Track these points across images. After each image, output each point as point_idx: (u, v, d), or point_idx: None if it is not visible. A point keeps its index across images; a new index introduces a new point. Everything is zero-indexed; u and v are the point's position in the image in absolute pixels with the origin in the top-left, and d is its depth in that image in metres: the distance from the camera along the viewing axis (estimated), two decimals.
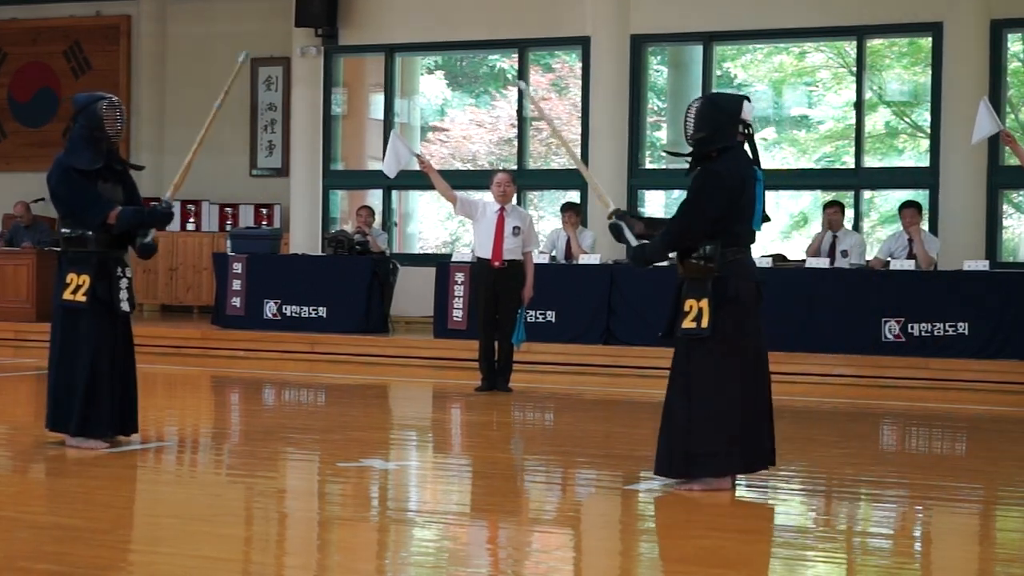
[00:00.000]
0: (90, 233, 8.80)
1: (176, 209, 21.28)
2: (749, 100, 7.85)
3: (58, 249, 9.08)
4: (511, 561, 6.29)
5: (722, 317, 7.56)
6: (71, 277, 8.79)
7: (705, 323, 7.55)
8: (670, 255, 7.89)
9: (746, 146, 7.82)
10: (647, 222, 8.37)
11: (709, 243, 7.60)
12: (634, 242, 8.05)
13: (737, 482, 7.83)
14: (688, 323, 7.62)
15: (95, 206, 8.77)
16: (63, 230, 8.92)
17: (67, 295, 8.79)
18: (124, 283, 8.90)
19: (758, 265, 15.55)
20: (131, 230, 8.91)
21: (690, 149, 7.84)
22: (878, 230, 21.19)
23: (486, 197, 13.46)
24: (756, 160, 7.84)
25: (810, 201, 21.97)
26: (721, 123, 7.69)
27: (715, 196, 7.60)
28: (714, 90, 19.16)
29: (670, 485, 7.69)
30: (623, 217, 8.24)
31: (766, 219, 7.92)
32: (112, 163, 8.96)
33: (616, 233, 8.20)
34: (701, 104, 7.82)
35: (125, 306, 8.89)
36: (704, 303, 7.56)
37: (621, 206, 18.30)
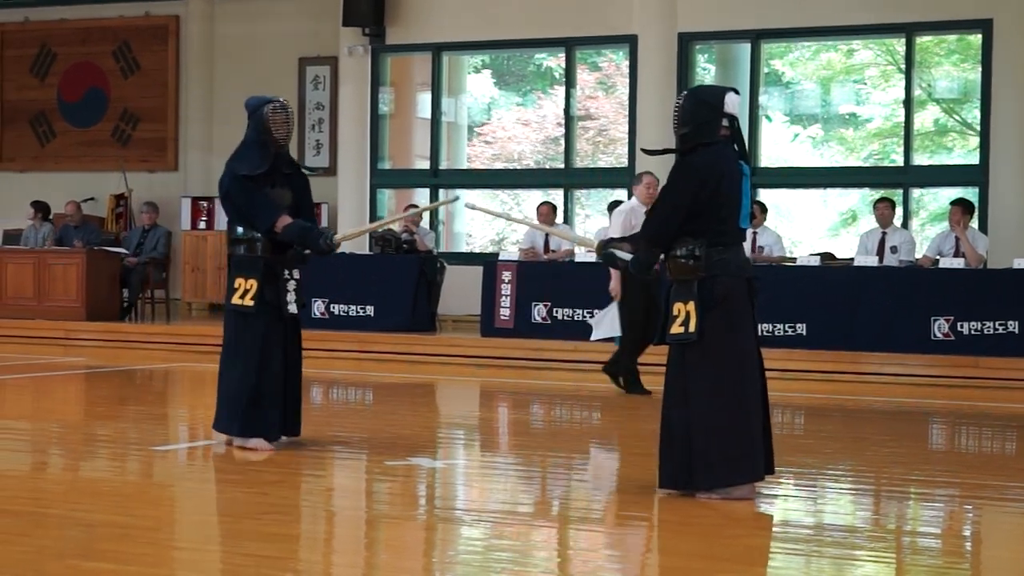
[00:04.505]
0: (257, 236, 8.86)
1: None
2: (737, 92, 7.60)
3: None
4: (558, 560, 6.29)
5: (712, 319, 7.32)
6: (239, 282, 8.88)
7: (692, 327, 7.33)
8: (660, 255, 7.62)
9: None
10: (631, 239, 8.19)
11: (693, 241, 7.37)
12: (628, 258, 7.86)
13: (784, 480, 7.80)
14: (676, 328, 7.40)
15: (265, 210, 8.83)
16: (236, 233, 8.97)
17: (235, 299, 8.88)
18: (292, 285, 8.95)
19: (806, 263, 15.68)
20: (291, 242, 8.95)
21: (671, 146, 7.69)
22: (927, 228, 21.06)
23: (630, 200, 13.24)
24: (743, 155, 7.59)
25: (858, 199, 21.86)
26: (703, 118, 7.45)
27: (687, 189, 7.37)
28: (761, 88, 19.14)
29: (684, 496, 7.46)
30: (607, 245, 7.99)
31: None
32: (280, 166, 8.99)
33: (610, 261, 8.00)
34: (684, 98, 7.57)
35: (293, 308, 8.94)
36: (691, 306, 7.34)
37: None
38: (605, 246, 8.01)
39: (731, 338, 7.37)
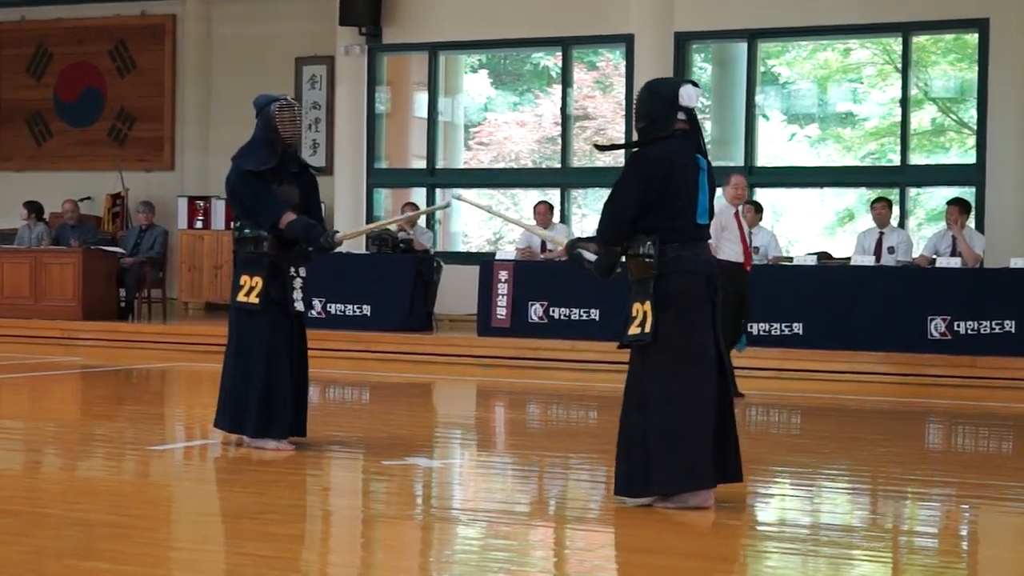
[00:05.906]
0: (264, 234, 8.84)
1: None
2: (695, 84, 7.32)
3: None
4: (554, 559, 6.29)
5: (668, 319, 7.07)
6: (244, 279, 8.86)
7: (648, 328, 7.09)
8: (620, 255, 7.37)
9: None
10: (595, 239, 7.97)
11: (647, 239, 7.12)
12: (593, 259, 7.55)
13: (780, 480, 7.80)
14: (633, 329, 7.16)
15: (270, 207, 8.81)
16: (242, 231, 8.94)
17: (241, 297, 8.88)
18: (298, 283, 8.94)
19: (803, 263, 15.68)
20: (295, 238, 8.91)
21: (627, 141, 7.54)
22: (924, 228, 21.07)
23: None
24: (701, 148, 7.32)
25: (855, 198, 21.88)
26: (658, 112, 7.23)
27: (632, 180, 7.15)
28: (758, 88, 19.14)
29: (641, 505, 7.21)
30: (575, 245, 7.70)
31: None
32: (287, 164, 8.98)
33: (578, 262, 7.78)
34: (641, 92, 7.36)
35: (299, 306, 8.93)
36: (647, 306, 7.10)
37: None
38: (572, 246, 7.77)
39: (687, 337, 7.11)
